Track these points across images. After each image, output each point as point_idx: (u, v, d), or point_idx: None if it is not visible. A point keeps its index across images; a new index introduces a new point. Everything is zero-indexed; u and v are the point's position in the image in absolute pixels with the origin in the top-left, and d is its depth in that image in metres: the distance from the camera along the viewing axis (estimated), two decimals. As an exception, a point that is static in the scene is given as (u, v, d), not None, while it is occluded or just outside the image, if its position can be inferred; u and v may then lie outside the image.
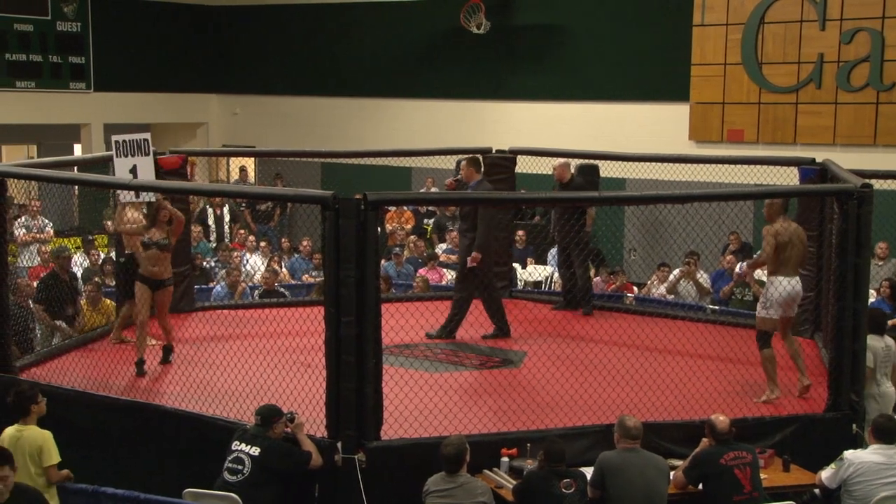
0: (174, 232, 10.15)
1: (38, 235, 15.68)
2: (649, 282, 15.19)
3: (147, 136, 10.50)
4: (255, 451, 7.59)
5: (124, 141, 10.41)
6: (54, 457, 7.60)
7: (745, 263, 10.17)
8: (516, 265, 15.84)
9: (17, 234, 15.25)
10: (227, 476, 7.57)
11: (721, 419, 7.64)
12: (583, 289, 12.38)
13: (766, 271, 9.46)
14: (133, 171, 10.42)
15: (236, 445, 7.66)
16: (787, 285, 9.08)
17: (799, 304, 9.70)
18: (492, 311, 11.22)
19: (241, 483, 7.49)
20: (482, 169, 11.41)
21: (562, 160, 12.20)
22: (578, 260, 12.26)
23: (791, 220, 9.44)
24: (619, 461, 7.37)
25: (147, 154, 10.47)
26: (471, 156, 11.48)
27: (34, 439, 7.60)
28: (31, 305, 11.94)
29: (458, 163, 12.24)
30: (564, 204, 11.90)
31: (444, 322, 11.04)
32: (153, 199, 10.14)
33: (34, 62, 21.37)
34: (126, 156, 10.41)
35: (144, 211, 10.71)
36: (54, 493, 7.62)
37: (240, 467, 7.56)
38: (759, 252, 9.38)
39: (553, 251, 16.66)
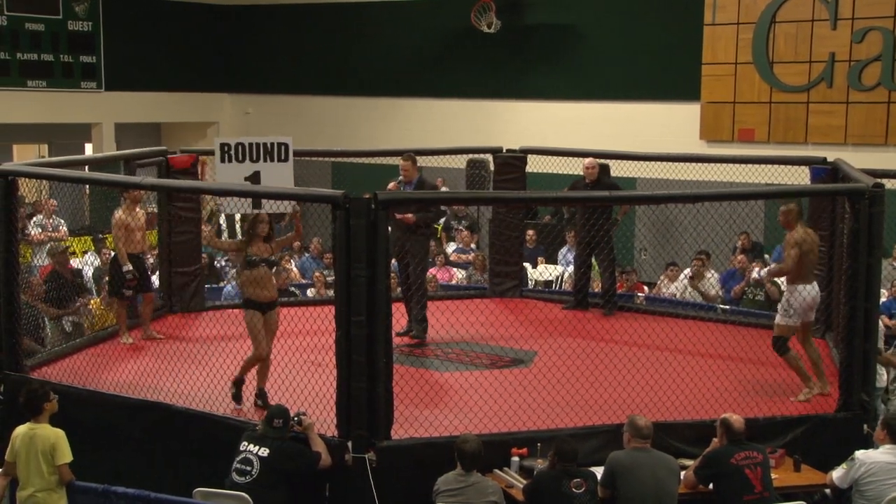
0: (286, 243, 9.54)
1: (52, 234, 15.71)
2: (659, 281, 15.16)
3: (288, 140, 9.57)
4: (264, 451, 7.58)
5: (238, 144, 9.42)
6: (67, 455, 7.61)
7: (765, 271, 10.09)
8: (526, 264, 15.83)
9: (31, 232, 15.30)
10: (235, 477, 7.57)
11: (736, 418, 7.63)
12: (608, 290, 12.39)
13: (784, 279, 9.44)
14: (254, 178, 9.45)
15: (244, 446, 7.66)
16: (808, 292, 9.04)
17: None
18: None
19: (250, 484, 7.48)
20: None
21: (592, 160, 12.15)
22: (607, 261, 12.28)
23: (806, 224, 9.39)
24: (629, 461, 7.36)
25: (285, 160, 9.55)
26: (408, 154, 11.21)
27: (47, 437, 7.61)
28: (41, 307, 11.99)
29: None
30: (581, 204, 11.88)
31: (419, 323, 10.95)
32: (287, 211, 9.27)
33: (45, 61, 21.42)
34: (240, 161, 9.45)
35: (151, 209, 10.67)
36: (64, 492, 7.63)
37: (248, 468, 7.55)
38: (772, 262, 9.36)
39: (564, 250, 16.66)
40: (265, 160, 9.41)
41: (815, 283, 9.15)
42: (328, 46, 22.88)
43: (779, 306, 9.35)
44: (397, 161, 20.04)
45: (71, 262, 14.06)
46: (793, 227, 9.07)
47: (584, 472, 7.32)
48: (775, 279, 12.79)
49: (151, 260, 11.07)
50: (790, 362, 9.17)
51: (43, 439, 7.60)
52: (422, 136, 20.39)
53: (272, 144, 9.36)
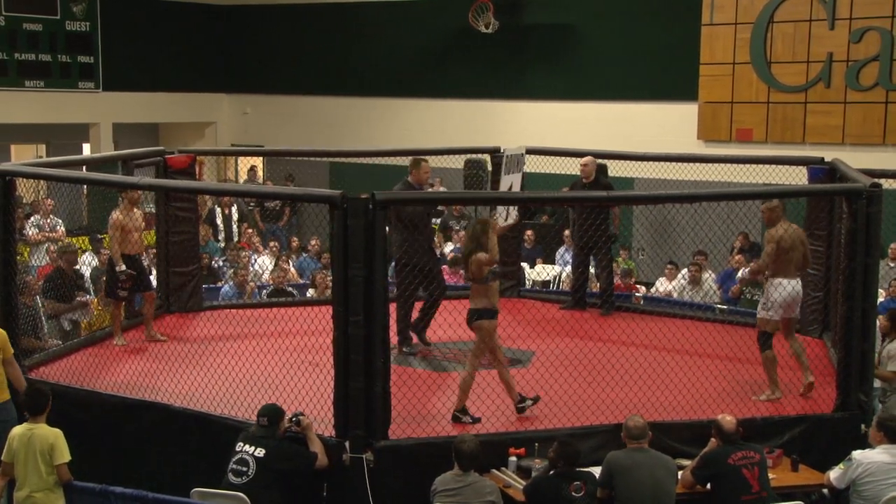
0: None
1: (49, 234, 15.72)
2: (657, 281, 15.18)
3: (523, 149, 9.83)
4: (260, 452, 7.57)
5: (509, 156, 9.63)
6: (66, 455, 7.61)
7: (747, 270, 10.11)
8: (524, 264, 15.83)
9: (29, 232, 15.30)
10: (231, 478, 7.56)
11: (727, 419, 7.63)
12: (605, 290, 12.38)
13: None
14: (510, 188, 9.74)
15: (240, 446, 7.65)
16: (789, 287, 9.07)
17: (807, 305, 9.68)
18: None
19: (247, 484, 7.48)
20: None
21: (588, 158, 12.12)
22: (605, 261, 12.27)
23: (790, 222, 9.39)
24: (627, 461, 7.36)
25: (521, 170, 9.78)
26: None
27: (45, 437, 7.60)
28: (38, 301, 11.99)
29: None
30: (577, 203, 11.86)
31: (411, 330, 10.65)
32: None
33: (43, 62, 21.41)
34: (509, 172, 9.70)
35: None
36: (62, 492, 7.62)
37: (244, 469, 7.54)
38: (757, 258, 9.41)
39: (561, 250, 16.66)
40: (513, 171, 9.80)
41: (797, 280, 9.17)
42: (326, 46, 22.88)
43: (760, 300, 9.38)
44: (395, 161, 20.08)
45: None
46: (776, 223, 9.11)
47: (583, 475, 7.32)
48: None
49: (146, 261, 11.04)
50: (765, 360, 9.16)
51: (41, 439, 7.59)
52: (419, 136, 20.39)
53: (520, 156, 9.82)
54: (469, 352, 8.61)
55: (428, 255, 10.48)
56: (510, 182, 9.96)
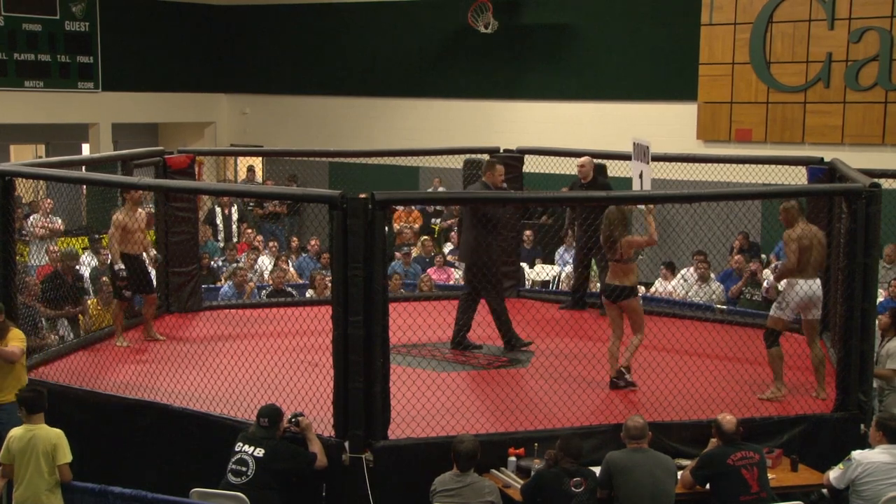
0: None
1: (50, 226, 15.70)
2: (657, 281, 15.17)
3: (649, 143, 10.12)
4: (259, 452, 7.57)
5: (637, 144, 10.11)
6: (68, 455, 7.61)
7: (771, 278, 9.94)
8: (524, 264, 15.82)
9: (30, 231, 15.30)
10: (230, 478, 7.56)
11: (728, 419, 7.63)
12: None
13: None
14: (641, 176, 10.11)
15: (239, 447, 7.65)
16: (807, 287, 9.03)
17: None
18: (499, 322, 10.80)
19: (245, 485, 7.48)
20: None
21: (586, 158, 12.10)
22: (605, 261, 12.24)
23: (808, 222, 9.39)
24: (626, 461, 7.37)
25: (648, 162, 10.14)
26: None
27: (48, 438, 7.59)
28: (36, 305, 11.98)
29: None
30: (577, 204, 11.86)
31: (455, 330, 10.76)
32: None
33: (43, 62, 21.42)
34: (638, 159, 10.13)
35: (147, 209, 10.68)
36: (60, 493, 7.62)
37: (243, 469, 7.54)
38: (780, 262, 9.34)
39: (560, 250, 16.65)
40: (641, 160, 10.12)
41: (816, 280, 9.13)
42: (325, 46, 22.88)
43: (776, 299, 9.36)
44: (395, 161, 20.02)
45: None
46: (793, 224, 9.09)
47: (585, 471, 7.32)
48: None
49: (153, 253, 11.04)
50: (771, 358, 9.14)
51: (44, 440, 7.59)
52: (419, 136, 20.40)
53: (646, 147, 10.10)
54: (634, 325, 9.46)
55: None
56: (640, 170, 10.13)
